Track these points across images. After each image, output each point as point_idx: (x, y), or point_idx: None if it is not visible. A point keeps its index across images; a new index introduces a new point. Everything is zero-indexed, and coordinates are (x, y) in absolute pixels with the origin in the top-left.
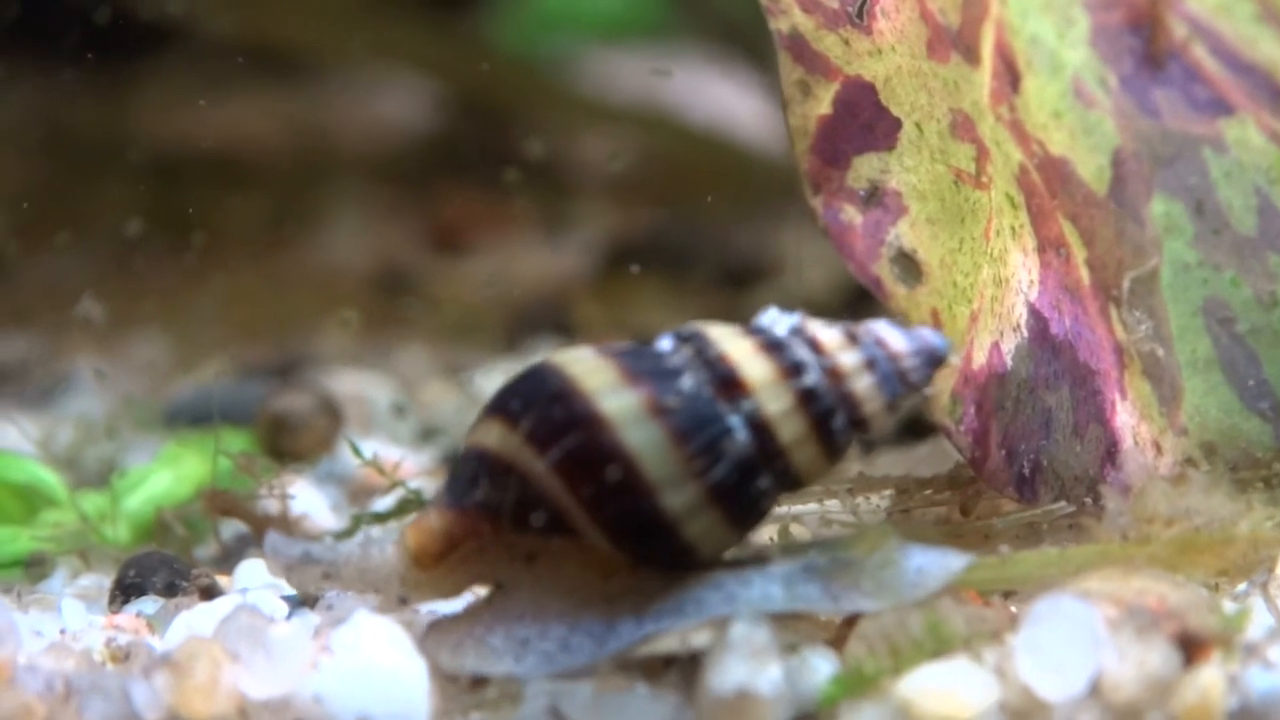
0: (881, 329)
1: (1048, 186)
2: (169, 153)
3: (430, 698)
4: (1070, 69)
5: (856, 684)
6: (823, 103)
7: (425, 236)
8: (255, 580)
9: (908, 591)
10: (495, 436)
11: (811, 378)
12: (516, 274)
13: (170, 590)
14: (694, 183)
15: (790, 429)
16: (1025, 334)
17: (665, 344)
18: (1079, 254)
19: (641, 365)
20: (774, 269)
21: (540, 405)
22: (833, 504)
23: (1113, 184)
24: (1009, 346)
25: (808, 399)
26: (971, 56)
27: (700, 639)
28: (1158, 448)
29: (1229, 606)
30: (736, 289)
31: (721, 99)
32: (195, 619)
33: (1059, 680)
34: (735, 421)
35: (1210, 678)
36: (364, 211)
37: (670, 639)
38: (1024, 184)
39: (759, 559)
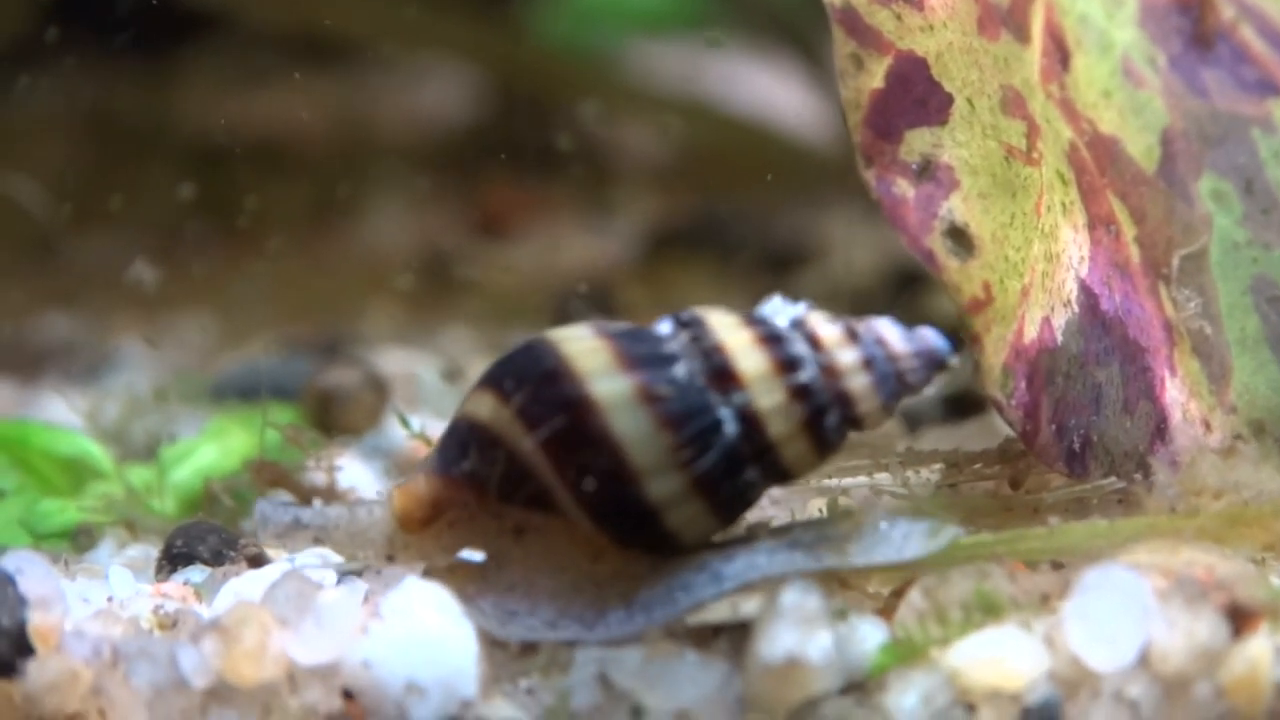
0: (883, 327)
1: (1097, 164)
2: (214, 139)
3: (479, 663)
4: (1119, 48)
5: (906, 653)
6: (875, 76)
7: (469, 222)
8: (308, 556)
9: (891, 554)
10: (487, 409)
11: (806, 374)
12: (561, 258)
13: (217, 559)
14: (735, 170)
15: (781, 424)
16: (1076, 309)
17: (664, 328)
18: (1128, 231)
19: (637, 349)
20: (818, 253)
21: (533, 383)
22: (883, 477)
23: (1162, 162)
24: (1060, 322)
25: (801, 395)
26: (1022, 35)
27: (749, 607)
28: (1207, 425)
29: (1276, 581)
30: (780, 273)
31: (762, 88)
32: (243, 586)
33: (1109, 650)
34: (726, 413)
35: (1259, 648)
36: (408, 197)
37: (719, 607)
38: (1074, 161)
39: (746, 539)
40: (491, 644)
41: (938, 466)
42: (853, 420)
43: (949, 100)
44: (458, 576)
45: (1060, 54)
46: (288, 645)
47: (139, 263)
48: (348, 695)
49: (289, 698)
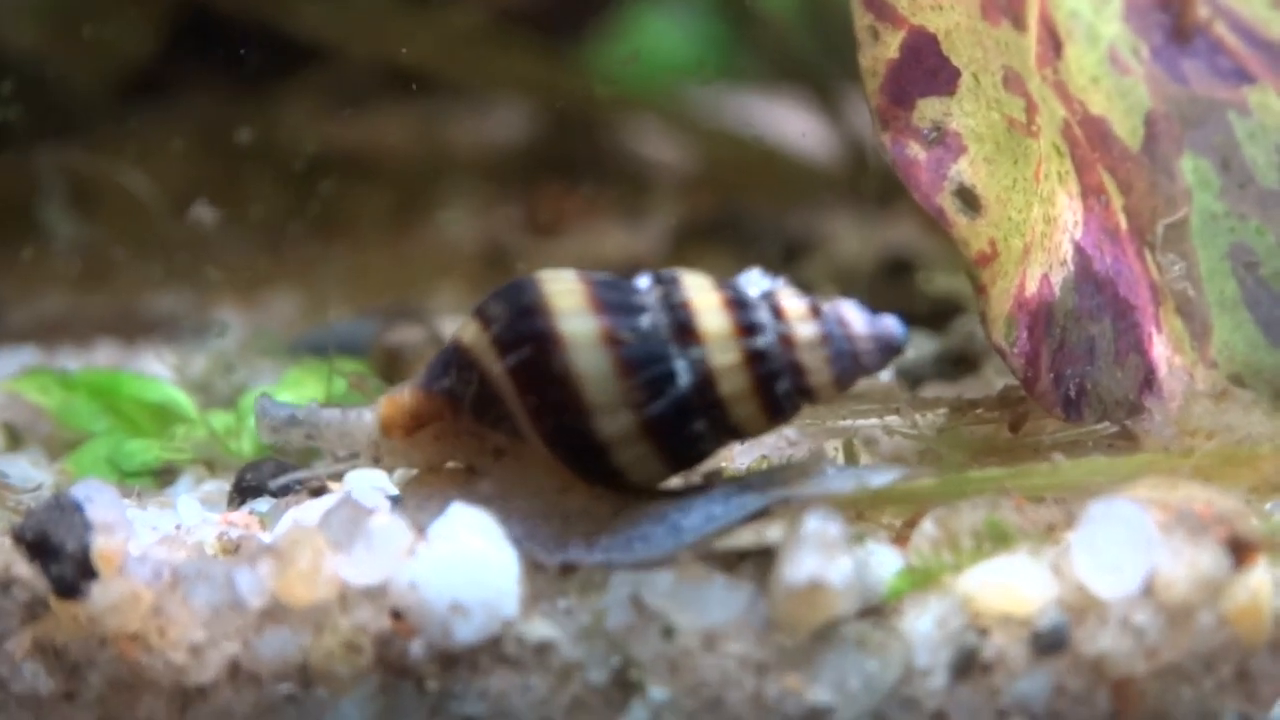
0: (847, 309)
1: (1089, 141)
2: (312, 154)
3: (519, 584)
4: (1106, 40)
5: (921, 578)
6: (890, 48)
7: (524, 223)
8: (364, 485)
9: (833, 486)
10: (470, 333)
11: (764, 340)
12: (603, 250)
13: (283, 491)
14: (749, 180)
15: (732, 382)
16: (1071, 268)
17: (643, 282)
18: (1117, 201)
19: (610, 296)
20: (819, 245)
21: (510, 314)
22: (893, 419)
23: (1145, 141)
24: (1057, 279)
25: (755, 359)
26: (1019, 24)
27: (773, 533)
28: (1191, 378)
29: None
30: (789, 262)
31: (774, 118)
32: (303, 513)
33: (1114, 578)
34: (681, 365)
35: (1260, 579)
36: (473, 203)
37: (745, 533)
38: (1068, 136)
39: (702, 488)
40: (532, 566)
41: (942, 411)
42: (804, 390)
43: (957, 74)
44: (440, 479)
45: (1053, 42)
46: (339, 567)
47: (199, 204)
48: (396, 615)
49: (340, 617)
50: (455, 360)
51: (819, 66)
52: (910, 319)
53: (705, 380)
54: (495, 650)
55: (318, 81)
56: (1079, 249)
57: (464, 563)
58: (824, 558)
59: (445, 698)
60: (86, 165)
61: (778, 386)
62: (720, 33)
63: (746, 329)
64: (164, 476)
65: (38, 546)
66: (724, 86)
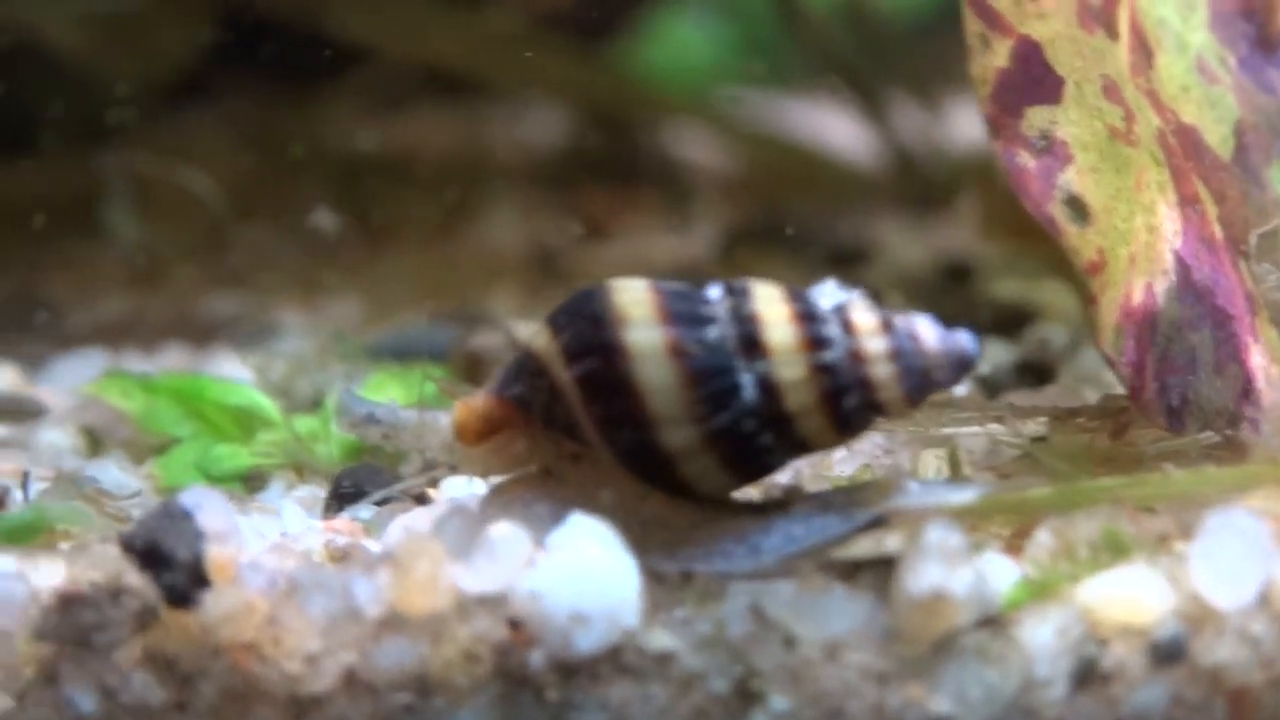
0: (920, 324)
1: (1182, 150)
2: (355, 156)
3: (640, 595)
4: (1194, 49)
5: (1040, 589)
6: (999, 56)
7: (571, 226)
8: (460, 493)
9: (914, 503)
10: (542, 341)
11: (832, 354)
12: (652, 254)
13: (384, 499)
14: (793, 184)
15: (798, 397)
16: (1173, 278)
17: (714, 292)
18: (1211, 210)
19: (679, 306)
20: (876, 251)
21: (579, 322)
22: (995, 427)
23: (1236, 151)
24: (1160, 288)
25: (823, 373)
26: (1112, 31)
27: (892, 544)
28: None
29: None
30: (844, 267)
31: (817, 122)
32: (412, 521)
33: (1231, 589)
34: (747, 379)
35: None
36: (518, 207)
37: (865, 542)
38: (1164, 145)
39: (782, 504)
40: (650, 576)
41: (1042, 420)
42: (874, 405)
43: (1061, 82)
44: (520, 485)
45: (1144, 51)
46: (458, 577)
47: (321, 210)
48: (513, 624)
49: (458, 626)
50: (527, 367)
51: (861, 69)
52: (975, 326)
53: (771, 394)
54: (615, 660)
55: (358, 84)
56: (1179, 258)
57: (585, 572)
58: (946, 568)
59: (565, 708)
60: (146, 167)
61: (846, 401)
62: (759, 35)
63: (815, 343)
64: (252, 482)
65: (149, 555)
66: (765, 89)
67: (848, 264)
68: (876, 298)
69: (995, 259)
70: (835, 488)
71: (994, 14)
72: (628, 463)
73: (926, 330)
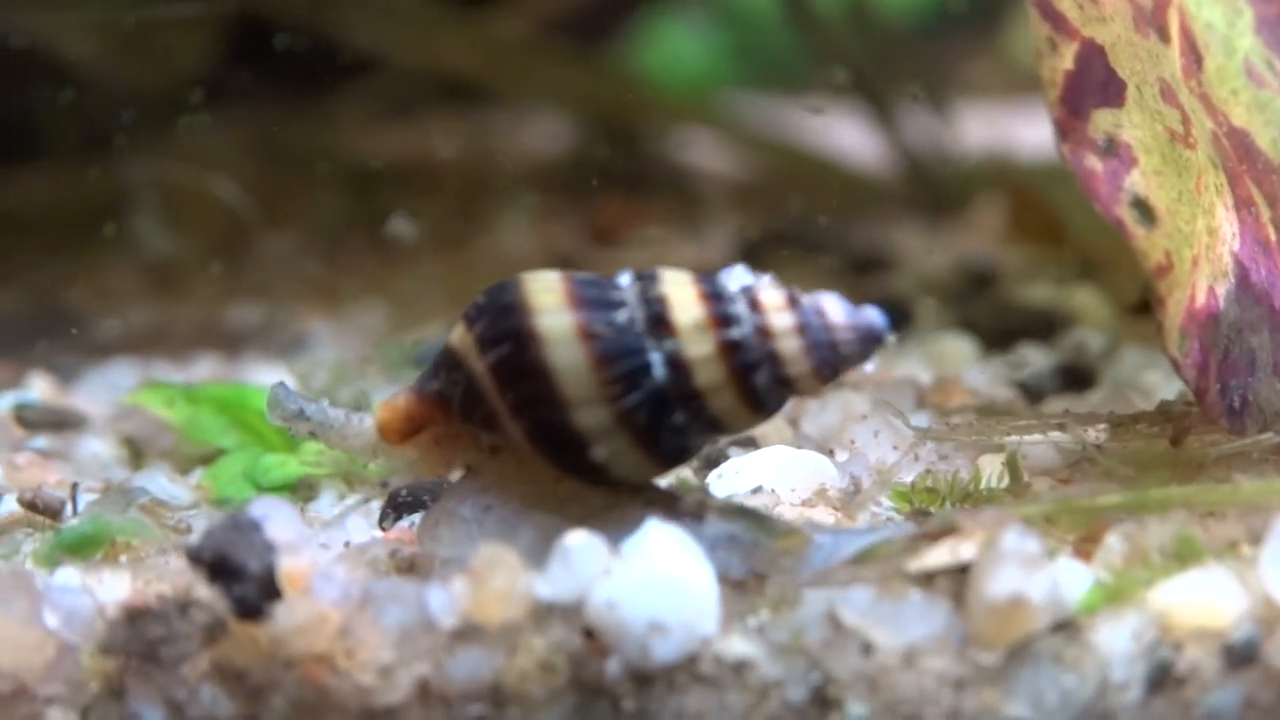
0: (826, 300)
1: (1235, 153)
2: (365, 164)
3: (718, 603)
4: (1241, 53)
5: (1114, 593)
6: (1066, 59)
7: (584, 232)
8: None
9: (806, 572)
10: (458, 334)
11: (739, 331)
12: (664, 261)
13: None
14: (803, 191)
15: (708, 373)
16: (1232, 280)
17: (624, 279)
18: (1265, 213)
19: (589, 292)
20: (893, 259)
21: (492, 312)
22: (1057, 435)
23: None
24: (1221, 290)
25: (730, 349)
26: (1164, 36)
27: (967, 551)
28: None
29: None
30: (861, 275)
31: (828, 130)
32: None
33: None
34: (656, 358)
35: None
36: (529, 214)
37: (939, 551)
38: (1218, 148)
39: (696, 513)
40: (729, 584)
41: (1102, 426)
42: (784, 381)
43: (1123, 85)
44: (451, 494)
45: (1194, 55)
46: (534, 586)
47: (398, 218)
48: (588, 634)
49: (533, 636)
50: (445, 362)
51: (871, 77)
52: (1005, 332)
53: (680, 371)
54: (691, 669)
55: (367, 92)
56: (1238, 261)
57: (662, 581)
58: (1024, 573)
59: (641, 717)
60: (169, 176)
61: (756, 377)
62: (753, 41)
63: (721, 320)
64: (301, 492)
65: (218, 567)
66: (769, 94)
67: (870, 271)
68: (904, 304)
69: (1018, 264)
70: (747, 514)
71: (1060, 17)
72: (542, 447)
73: (833, 306)
